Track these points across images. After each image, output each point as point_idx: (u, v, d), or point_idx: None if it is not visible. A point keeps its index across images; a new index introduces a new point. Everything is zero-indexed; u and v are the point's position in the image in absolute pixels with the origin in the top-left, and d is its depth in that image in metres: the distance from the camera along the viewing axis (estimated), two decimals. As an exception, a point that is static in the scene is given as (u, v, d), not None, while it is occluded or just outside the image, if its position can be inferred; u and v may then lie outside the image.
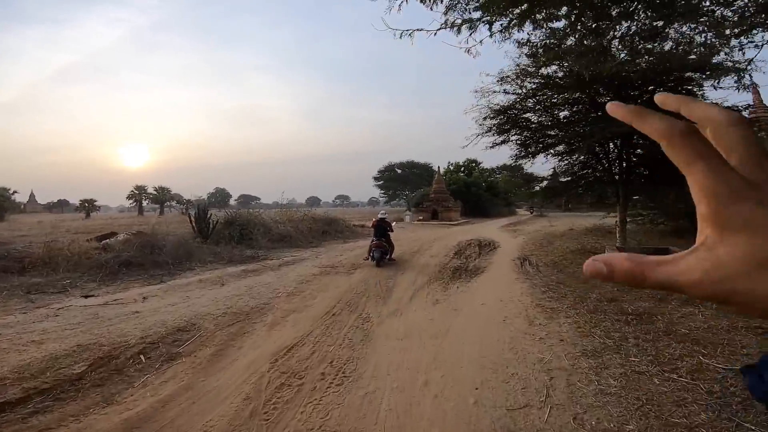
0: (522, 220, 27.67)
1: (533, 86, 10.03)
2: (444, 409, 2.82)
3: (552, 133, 10.69)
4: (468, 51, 5.63)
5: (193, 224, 12.32)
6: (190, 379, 3.58)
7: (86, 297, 6.64)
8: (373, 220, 9.64)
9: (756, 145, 0.26)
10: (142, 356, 4.06)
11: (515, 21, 5.58)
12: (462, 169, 36.50)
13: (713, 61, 8.22)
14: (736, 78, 8.48)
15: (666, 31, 8.20)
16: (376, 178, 54.83)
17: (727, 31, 7.59)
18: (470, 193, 31.97)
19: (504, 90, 10.39)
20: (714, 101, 8.77)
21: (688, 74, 8.61)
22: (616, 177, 9.46)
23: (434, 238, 14.59)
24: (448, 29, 5.42)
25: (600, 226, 17.20)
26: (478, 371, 3.40)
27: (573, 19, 6.03)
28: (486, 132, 10.97)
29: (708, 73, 8.38)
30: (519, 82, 10.15)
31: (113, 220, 31.82)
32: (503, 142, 11.01)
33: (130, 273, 8.35)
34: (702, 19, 7.64)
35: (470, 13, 5.41)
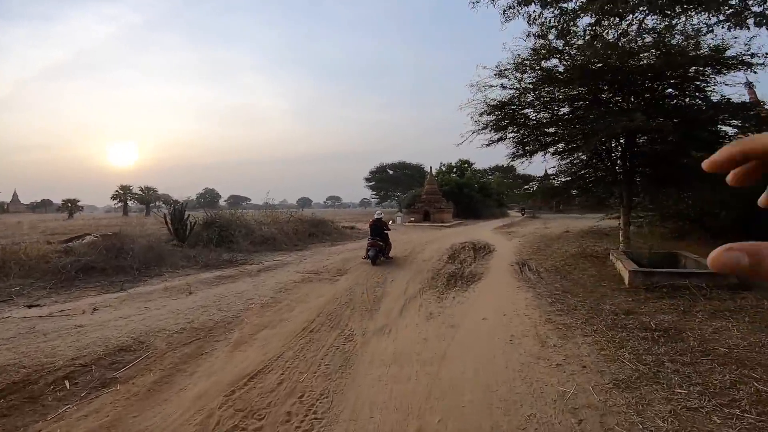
0: (515, 222, 27.14)
1: (533, 80, 9.43)
2: (443, 476, 2.11)
3: (551, 130, 10.10)
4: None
5: (169, 226, 11.46)
6: (119, 413, 2.85)
7: (30, 307, 5.81)
8: (370, 220, 9.80)
9: None
10: (67, 381, 3.32)
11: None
12: (454, 169, 35.93)
13: (725, 54, 7.73)
14: (749, 72, 8.00)
15: (681, 19, 7.71)
16: (367, 179, 54.03)
17: (750, 21, 7.11)
18: (462, 194, 31.39)
19: (501, 84, 9.77)
20: (726, 97, 8.26)
21: (694, 69, 8.09)
22: (620, 177, 8.89)
23: (426, 241, 13.91)
24: None
25: (596, 228, 16.74)
26: (485, 412, 2.70)
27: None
28: (482, 129, 10.35)
29: (719, 67, 7.86)
30: (518, 75, 9.55)
31: (96, 221, 30.54)
32: (500, 139, 10.39)
33: (89, 279, 7.50)
34: (723, 8, 7.15)
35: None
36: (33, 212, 77.02)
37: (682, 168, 8.71)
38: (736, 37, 7.73)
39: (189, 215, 11.96)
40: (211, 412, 2.87)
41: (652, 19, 7.77)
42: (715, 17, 6.63)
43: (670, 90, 8.55)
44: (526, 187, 9.98)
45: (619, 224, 9.33)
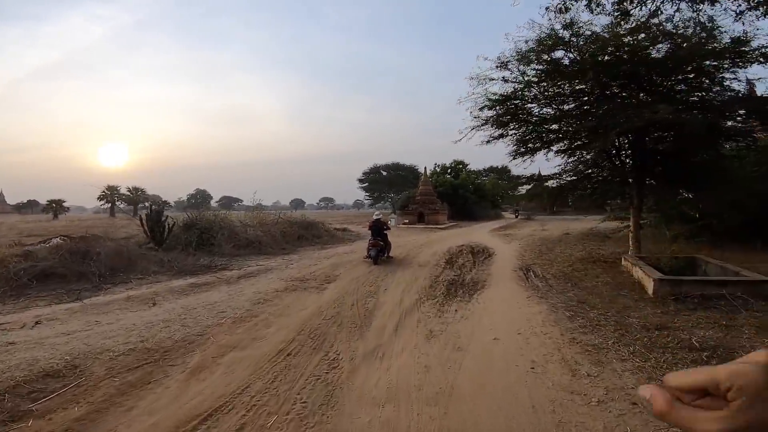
0: (511, 224, 26.56)
1: (537, 73, 8.78)
2: None
3: (554, 127, 9.47)
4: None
5: (145, 228, 10.59)
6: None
7: (-37, 323, 4.96)
8: (370, 221, 9.94)
9: None
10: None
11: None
12: (449, 170, 35.26)
13: (745, 48, 7.16)
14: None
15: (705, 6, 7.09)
16: (360, 180, 53.28)
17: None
18: (457, 195, 30.76)
19: (503, 78, 9.11)
20: (740, 93, 7.69)
21: (712, 62, 7.51)
22: (630, 177, 8.25)
23: (422, 244, 13.19)
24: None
25: (595, 230, 16.16)
26: (512, 485, 1.96)
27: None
28: (482, 125, 9.68)
29: (738, 60, 7.28)
30: (521, 68, 8.89)
31: (80, 222, 29.39)
32: (501, 136, 9.73)
33: (44, 287, 6.66)
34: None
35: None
36: (19, 213, 75.25)
37: (696, 166, 8.13)
38: (758, 29, 7.18)
39: (167, 216, 11.10)
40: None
41: (672, 6, 7.15)
42: (746, 3, 6.01)
43: (681, 85, 7.96)
44: (529, 187, 9.26)
45: (629, 227, 8.70)
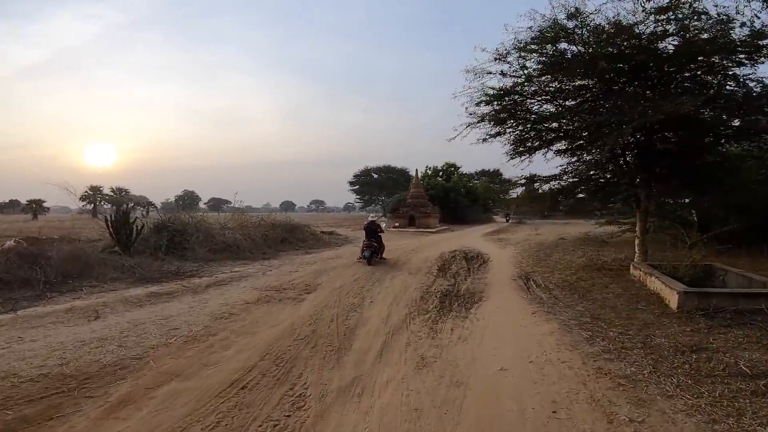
0: (503, 228, 26.01)
1: (538, 66, 8.16)
2: None
3: (555, 125, 8.86)
4: None
5: (110, 231, 9.67)
6: None
7: None
8: (364, 223, 10.15)
9: None
10: None
11: None
12: (440, 173, 34.63)
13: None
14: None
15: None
16: (351, 183, 52.44)
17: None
18: (449, 198, 30.13)
19: (501, 71, 8.48)
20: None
21: (720, 57, 6.99)
22: (637, 178, 7.65)
23: (412, 249, 12.47)
24: None
25: (591, 235, 15.65)
26: None
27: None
28: (478, 122, 9.03)
29: (757, 55, 6.76)
30: (520, 61, 8.27)
31: (58, 222, 27.97)
32: (498, 134, 9.08)
33: (-24, 298, 5.75)
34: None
35: None
36: (1, 213, 72.97)
37: (706, 167, 7.57)
38: None
39: (136, 218, 10.20)
40: None
41: None
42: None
43: (696, 80, 7.40)
44: (527, 189, 8.60)
45: (634, 232, 8.10)
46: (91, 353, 3.65)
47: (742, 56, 6.81)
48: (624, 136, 5.96)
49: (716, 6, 6.73)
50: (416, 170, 28.55)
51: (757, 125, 6.33)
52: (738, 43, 6.58)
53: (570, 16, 7.47)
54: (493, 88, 8.53)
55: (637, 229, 8.07)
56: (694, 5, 6.27)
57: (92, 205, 59.25)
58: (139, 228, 9.85)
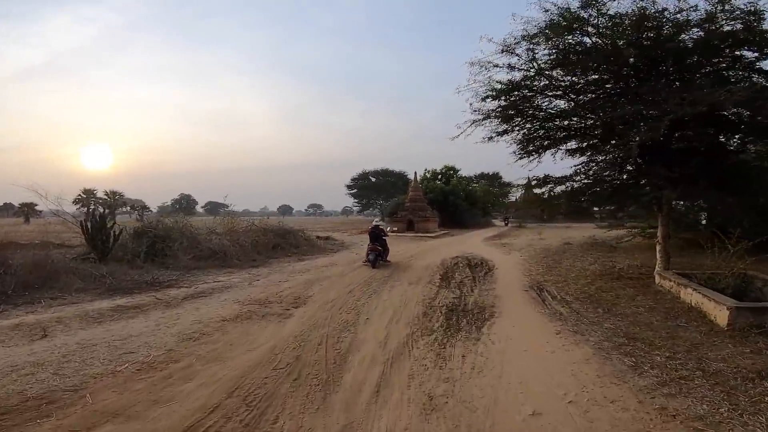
0: (504, 232, 25.33)
1: (549, 59, 7.51)
2: None
3: (566, 123, 8.22)
4: None
5: (86, 236, 8.92)
6: None
7: None
8: (369, 227, 10.57)
9: None
10: None
11: None
12: (439, 176, 33.93)
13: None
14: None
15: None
16: (349, 187, 51.72)
17: None
18: (448, 202, 29.41)
19: (509, 64, 7.84)
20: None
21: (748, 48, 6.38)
22: (661, 178, 6.96)
23: (411, 255, 11.77)
24: None
25: (598, 239, 15.01)
26: None
27: None
28: (483, 119, 8.37)
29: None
30: (529, 53, 7.63)
31: (47, 226, 27.15)
32: (505, 132, 8.42)
33: None
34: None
35: None
36: (-7, 216, 71.86)
37: (734, 166, 6.92)
38: None
39: (114, 223, 9.46)
40: None
41: None
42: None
43: (710, 77, 6.78)
44: (540, 191, 7.91)
45: (655, 236, 7.42)
46: (17, 382, 2.95)
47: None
48: (659, 131, 5.28)
49: None
50: (415, 173, 27.87)
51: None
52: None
53: (585, 5, 6.85)
54: (500, 82, 7.90)
55: (658, 234, 7.39)
56: None
57: (86, 208, 58.51)
58: (116, 234, 9.11)
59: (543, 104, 8.18)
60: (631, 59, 6.06)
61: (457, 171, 34.55)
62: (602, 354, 3.49)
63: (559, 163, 11.58)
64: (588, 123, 8.13)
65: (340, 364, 3.49)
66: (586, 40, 7.18)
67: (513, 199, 53.95)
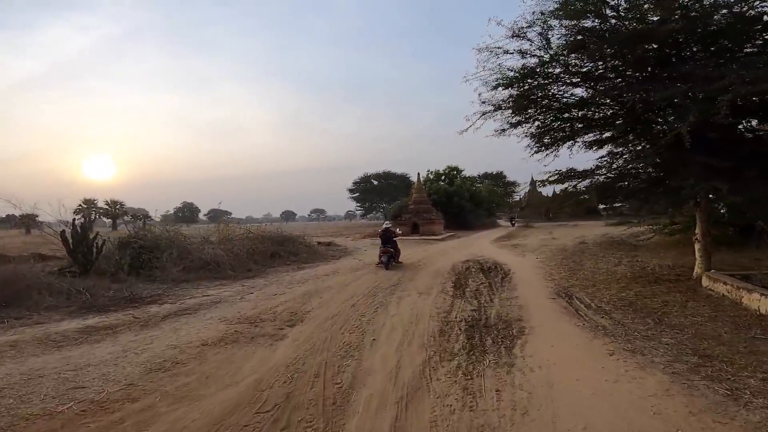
0: (512, 232, 24.47)
1: (566, 41, 6.78)
2: None
3: (586, 113, 7.49)
4: None
5: (67, 249, 8.22)
6: None
7: None
8: (380, 230, 10.87)
9: None
10: None
11: None
12: (443, 177, 33.08)
13: None
14: None
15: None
16: (351, 191, 50.98)
17: None
18: (452, 203, 28.59)
19: (520, 50, 7.14)
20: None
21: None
22: (702, 170, 6.17)
23: (419, 259, 11.01)
24: None
25: (616, 237, 14.21)
26: None
27: None
28: (494, 110, 7.67)
29: None
30: (542, 40, 6.93)
31: (46, 237, 26.63)
32: (519, 123, 7.70)
33: None
34: None
35: None
36: (-1, 228, 71.90)
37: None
38: None
39: (97, 233, 8.77)
40: None
41: None
42: None
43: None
44: (563, 186, 7.12)
45: (695, 237, 6.62)
46: None
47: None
48: (719, 113, 4.49)
49: None
50: (417, 174, 27.09)
51: None
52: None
53: None
54: (512, 69, 7.20)
55: (696, 231, 6.60)
56: None
57: (86, 218, 58.18)
58: (99, 245, 8.41)
59: (558, 93, 7.47)
60: (677, 37, 5.29)
61: (461, 171, 33.76)
62: (682, 381, 2.72)
63: (574, 158, 10.78)
64: (609, 112, 7.41)
65: (341, 406, 2.73)
66: (610, 19, 6.47)
67: (518, 198, 53.21)
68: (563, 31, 6.81)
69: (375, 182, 49.47)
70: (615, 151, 7.54)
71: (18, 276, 6.50)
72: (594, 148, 7.78)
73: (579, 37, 6.57)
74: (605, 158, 7.12)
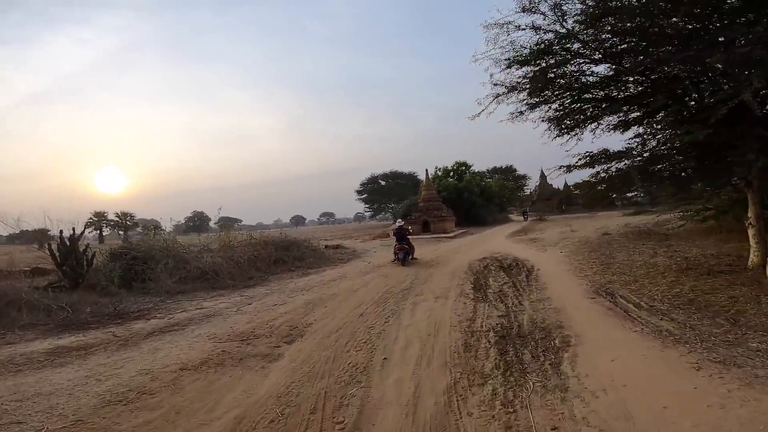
0: (526, 227, 23.46)
1: (586, 12, 5.99)
2: None
3: (602, 94, 6.72)
4: None
5: (56, 262, 7.70)
6: None
7: None
8: (393, 228, 11.14)
9: None
10: None
11: None
12: (451, 173, 32.19)
13: None
14: None
15: None
16: (359, 192, 50.30)
17: None
18: (462, 199, 27.73)
19: (533, 24, 6.38)
20: None
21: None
22: (757, 144, 5.33)
23: (432, 259, 10.28)
24: None
25: (640, 227, 13.27)
26: None
27: None
28: (508, 92, 6.96)
29: None
30: (557, 12, 6.15)
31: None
32: (537, 105, 6.97)
33: None
34: None
35: None
36: (14, 244, 73.36)
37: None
38: None
39: (88, 245, 8.23)
40: None
41: None
42: None
43: None
44: (595, 170, 6.31)
45: (748, 222, 5.76)
46: None
47: None
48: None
49: None
50: (426, 171, 26.26)
51: None
52: None
53: None
54: (525, 47, 6.47)
55: (749, 214, 5.75)
56: None
57: (97, 231, 58.60)
58: (89, 258, 7.87)
59: (577, 73, 6.70)
60: None
61: (470, 166, 32.88)
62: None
63: (594, 143, 9.94)
64: (638, 89, 6.59)
65: (342, 459, 2.03)
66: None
67: (528, 192, 51.99)
68: (578, 4, 6.05)
69: (383, 182, 48.75)
70: (644, 132, 6.72)
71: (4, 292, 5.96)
72: (621, 130, 7.01)
73: (600, 6, 5.77)
74: (634, 139, 6.30)
